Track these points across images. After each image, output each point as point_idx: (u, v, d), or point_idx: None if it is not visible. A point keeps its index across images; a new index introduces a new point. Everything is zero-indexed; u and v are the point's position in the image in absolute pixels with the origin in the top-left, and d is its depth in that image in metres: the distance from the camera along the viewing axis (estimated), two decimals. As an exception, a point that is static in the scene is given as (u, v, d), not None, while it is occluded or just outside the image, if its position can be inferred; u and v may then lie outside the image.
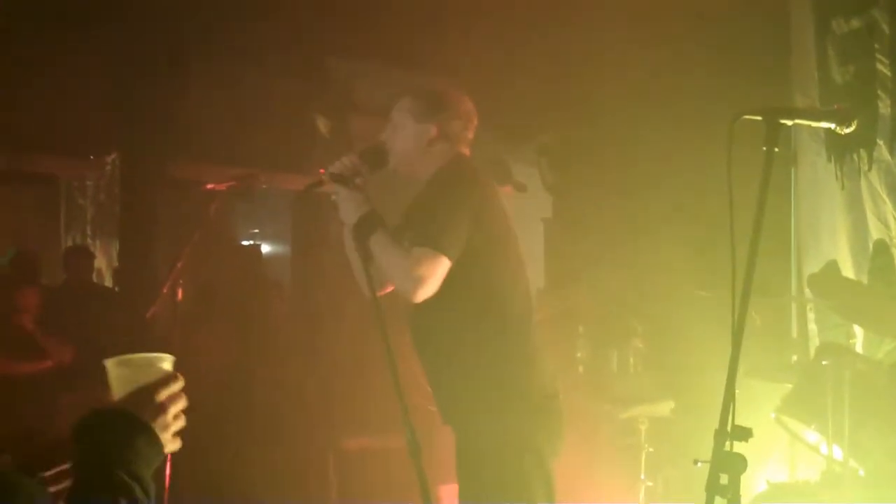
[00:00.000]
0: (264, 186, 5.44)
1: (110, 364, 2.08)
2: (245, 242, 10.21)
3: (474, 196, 3.39)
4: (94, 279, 8.17)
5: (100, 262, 8.76)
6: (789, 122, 2.56)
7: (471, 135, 3.58)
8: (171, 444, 1.97)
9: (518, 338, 3.43)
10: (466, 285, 3.35)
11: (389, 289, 3.56)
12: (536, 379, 3.42)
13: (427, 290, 3.27)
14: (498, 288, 3.43)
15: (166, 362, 2.08)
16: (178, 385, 2.01)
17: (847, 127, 2.56)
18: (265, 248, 10.17)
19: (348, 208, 3.39)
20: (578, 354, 6.18)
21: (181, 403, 2.00)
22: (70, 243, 9.08)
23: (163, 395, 1.97)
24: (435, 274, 3.26)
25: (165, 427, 1.95)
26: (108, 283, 8.72)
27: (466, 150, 3.58)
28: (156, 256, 8.25)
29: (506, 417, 3.34)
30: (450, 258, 3.27)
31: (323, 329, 7.61)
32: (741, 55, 5.93)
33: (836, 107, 2.64)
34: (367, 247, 3.33)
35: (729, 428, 2.40)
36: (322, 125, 8.36)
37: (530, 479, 3.32)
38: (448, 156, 3.51)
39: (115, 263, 8.79)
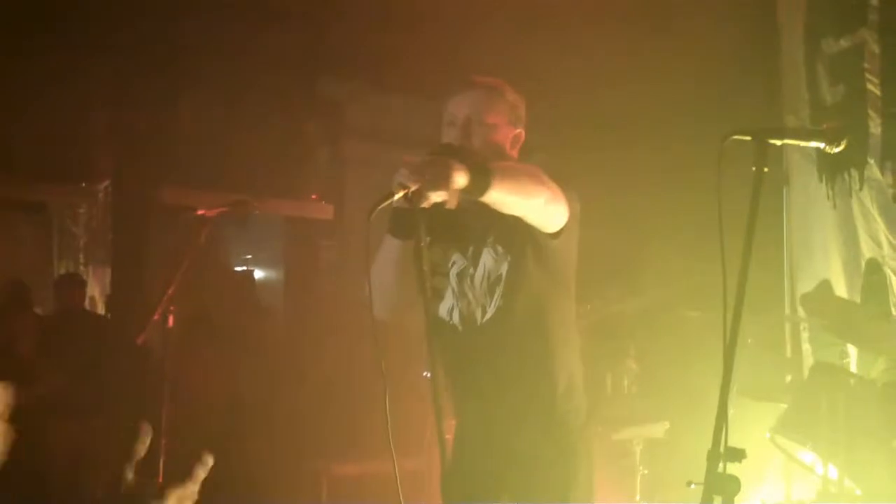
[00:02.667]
0: (256, 212, 5.42)
1: None
2: (238, 268, 10.19)
3: (574, 206, 3.07)
4: (87, 306, 8.14)
5: (92, 290, 8.74)
6: (778, 142, 2.55)
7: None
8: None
9: (576, 369, 3.18)
10: (544, 307, 3.06)
11: (401, 313, 3.14)
12: (585, 413, 3.18)
13: (557, 198, 2.86)
14: (568, 317, 3.16)
15: None
16: None
17: (836, 146, 2.56)
18: (258, 274, 10.15)
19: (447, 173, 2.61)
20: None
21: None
22: (62, 271, 9.06)
23: None
24: (554, 200, 2.86)
25: None
26: (101, 310, 8.70)
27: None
28: (148, 283, 8.23)
29: (561, 455, 3.08)
30: (569, 207, 2.93)
31: (316, 354, 7.59)
32: (732, 75, 5.96)
33: (825, 126, 2.63)
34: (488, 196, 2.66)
35: (722, 449, 2.38)
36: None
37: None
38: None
39: (108, 291, 8.77)
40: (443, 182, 2.57)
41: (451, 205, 2.65)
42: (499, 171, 2.68)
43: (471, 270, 3.09)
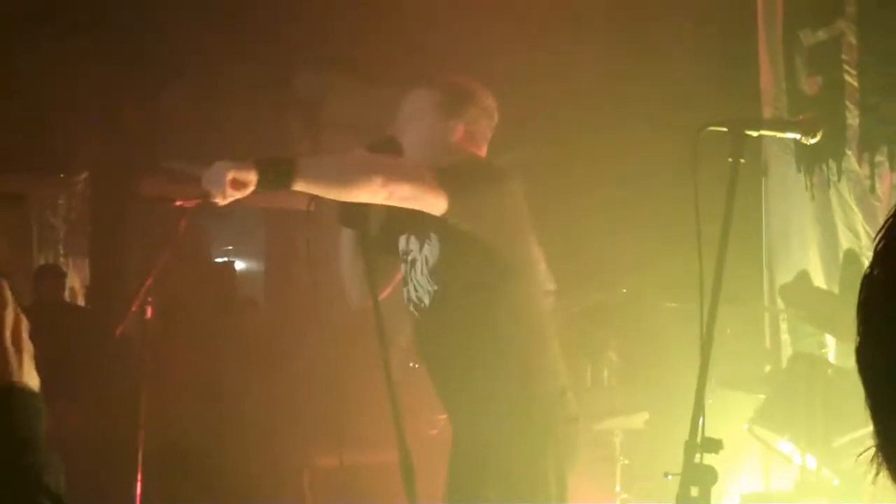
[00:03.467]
0: (236, 203, 5.39)
1: None
2: (219, 259, 10.17)
3: (502, 188, 3.15)
4: (67, 297, 8.11)
5: (72, 281, 8.71)
6: (755, 134, 2.57)
7: (490, 135, 3.29)
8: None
9: (539, 354, 3.20)
10: (490, 289, 3.09)
11: (387, 291, 3.28)
12: (555, 398, 3.19)
13: (385, 188, 2.85)
14: (522, 304, 3.17)
15: None
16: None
17: (812, 137, 2.58)
18: (239, 265, 10.13)
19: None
20: (552, 367, 6.17)
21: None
22: (42, 262, 9.03)
23: None
24: (411, 190, 2.89)
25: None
26: (81, 301, 8.67)
27: (483, 153, 3.29)
28: (128, 274, 8.21)
29: (526, 437, 3.11)
30: (446, 201, 2.93)
31: (297, 346, 7.58)
32: (710, 67, 5.96)
33: (800, 118, 2.65)
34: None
35: (699, 440, 2.39)
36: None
37: (551, 500, 3.14)
38: (466, 152, 3.22)
39: (87, 282, 8.74)
40: (217, 185, 2.83)
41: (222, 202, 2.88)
42: (306, 165, 2.81)
43: (416, 257, 3.17)
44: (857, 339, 1.18)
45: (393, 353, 4.00)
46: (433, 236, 3.11)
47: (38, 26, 7.19)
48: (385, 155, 3.03)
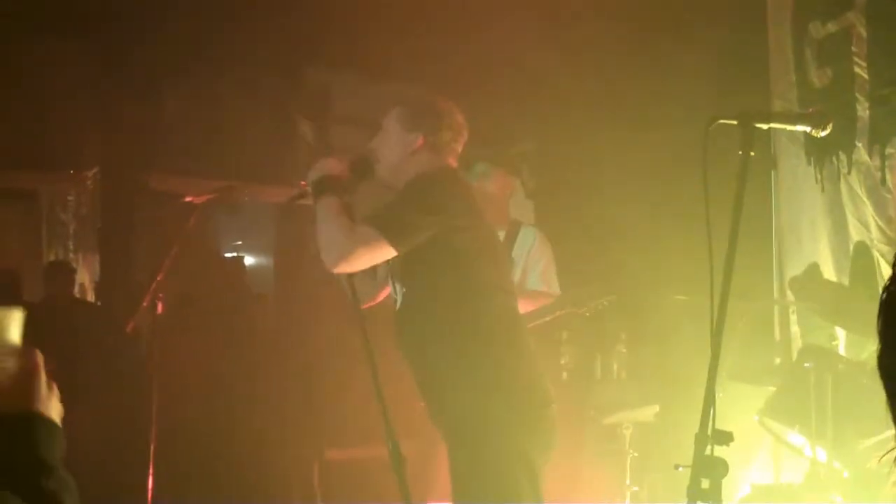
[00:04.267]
0: (246, 199, 5.42)
1: None
2: (228, 254, 10.18)
3: (452, 201, 3.38)
4: (77, 293, 8.12)
5: (82, 277, 8.72)
6: (765, 126, 2.56)
7: (460, 147, 3.56)
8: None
9: (508, 343, 3.38)
10: (452, 289, 3.34)
11: (381, 297, 3.60)
12: (527, 384, 3.36)
13: (350, 265, 3.30)
14: (485, 293, 3.39)
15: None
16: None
17: (822, 130, 2.57)
18: (248, 260, 10.14)
19: (317, 168, 3.44)
20: (562, 361, 6.17)
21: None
22: (52, 258, 9.03)
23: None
24: (369, 255, 3.29)
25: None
26: (91, 297, 8.68)
27: (454, 162, 3.54)
28: (138, 270, 8.22)
29: (496, 423, 3.27)
30: (394, 246, 3.26)
31: (307, 340, 7.59)
32: (719, 59, 5.95)
33: (811, 110, 2.65)
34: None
35: (709, 432, 2.39)
36: (306, 129, 8.34)
37: (520, 488, 3.27)
38: (433, 165, 3.47)
39: (97, 278, 8.75)
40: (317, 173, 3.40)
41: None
42: (330, 204, 3.33)
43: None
44: (878, 347, 1.20)
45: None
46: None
47: (47, 23, 7.19)
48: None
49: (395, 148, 3.49)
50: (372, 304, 3.61)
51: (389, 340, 3.50)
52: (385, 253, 3.27)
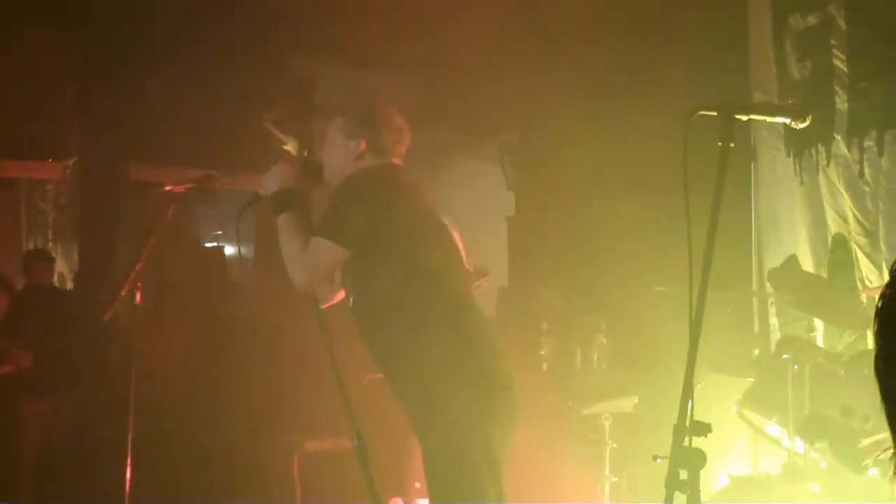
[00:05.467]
0: (225, 188, 5.40)
1: None
2: (208, 244, 10.15)
3: (379, 187, 3.49)
4: (56, 283, 8.09)
5: (61, 266, 8.68)
6: (744, 118, 2.57)
7: (403, 148, 3.70)
8: None
9: (457, 326, 3.44)
10: (397, 277, 3.42)
11: (338, 298, 3.69)
12: (483, 366, 3.40)
13: (315, 278, 3.48)
14: (430, 278, 3.46)
15: None
16: None
17: (802, 122, 2.58)
18: (228, 250, 10.11)
19: (271, 177, 3.63)
20: (542, 352, 6.20)
21: None
22: (31, 246, 8.99)
23: None
24: (325, 263, 3.45)
25: None
26: (70, 286, 8.65)
27: (399, 161, 3.68)
28: (117, 259, 8.19)
29: (455, 409, 3.33)
30: (341, 245, 3.40)
31: (287, 331, 7.57)
32: (699, 51, 5.96)
33: (790, 102, 2.66)
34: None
35: (687, 423, 2.40)
36: (278, 137, 8.31)
37: (481, 473, 3.32)
38: (357, 166, 3.60)
39: (77, 266, 8.72)
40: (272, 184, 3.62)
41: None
42: (287, 220, 3.54)
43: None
44: (875, 351, 1.23)
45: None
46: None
47: (28, 12, 7.15)
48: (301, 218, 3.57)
49: (340, 154, 3.64)
50: (330, 304, 3.73)
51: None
52: (338, 255, 3.43)
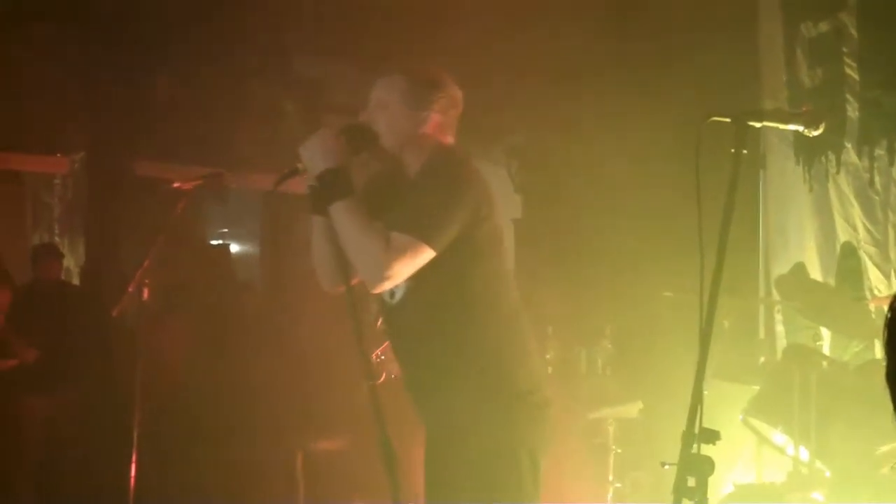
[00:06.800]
0: (233, 186, 5.40)
1: None
2: (214, 242, 10.16)
3: (474, 189, 3.13)
4: (63, 277, 8.09)
5: (68, 261, 8.69)
6: (758, 125, 2.56)
7: (456, 124, 3.30)
8: None
9: (512, 340, 3.20)
10: (462, 282, 3.11)
11: (355, 280, 3.23)
12: (530, 383, 3.19)
13: (395, 281, 3.02)
14: (493, 286, 3.18)
15: None
16: None
17: (815, 129, 2.57)
18: (234, 248, 10.12)
19: (314, 150, 3.01)
20: (547, 356, 6.18)
21: None
22: (37, 241, 9.00)
23: None
24: (412, 265, 2.99)
25: None
26: (76, 281, 8.66)
27: (452, 139, 3.29)
28: (124, 255, 8.20)
29: (502, 421, 3.11)
30: (433, 248, 2.99)
31: (292, 329, 7.57)
32: (711, 58, 5.95)
33: (804, 109, 2.65)
34: (328, 212, 3.00)
35: (696, 430, 2.40)
36: (289, 107, 8.28)
37: (525, 483, 3.13)
38: (437, 144, 3.22)
39: (83, 261, 8.73)
40: (318, 160, 2.99)
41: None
42: (348, 210, 2.99)
43: None
44: (886, 363, 1.23)
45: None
46: (382, 222, 3.11)
47: (37, 7, 7.16)
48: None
49: (402, 126, 3.17)
50: (329, 289, 3.31)
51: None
52: (426, 257, 3.00)
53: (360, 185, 3.13)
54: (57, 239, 9.04)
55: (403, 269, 3.00)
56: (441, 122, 3.22)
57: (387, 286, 3.05)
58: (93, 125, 8.28)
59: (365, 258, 3.00)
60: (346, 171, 3.01)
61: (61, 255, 7.84)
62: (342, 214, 2.99)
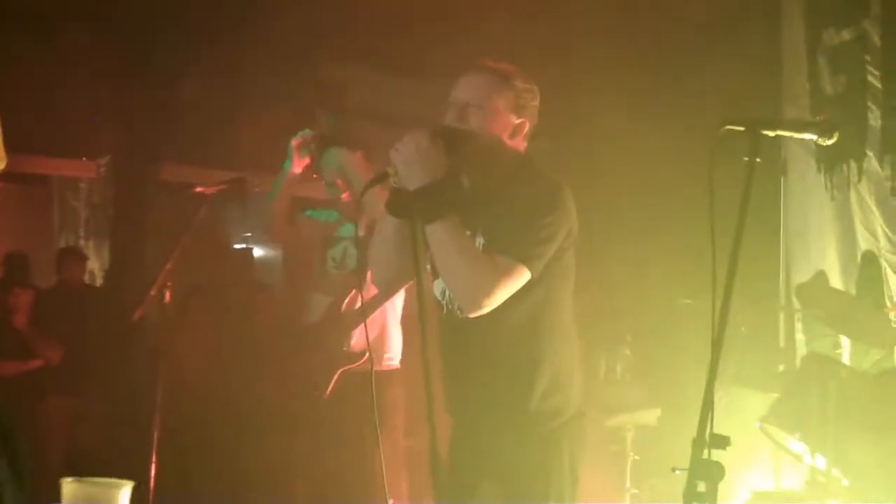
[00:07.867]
0: (256, 190, 5.43)
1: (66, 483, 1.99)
2: (237, 246, 10.21)
3: (571, 215, 3.07)
4: (87, 280, 8.17)
5: (92, 264, 8.77)
6: (771, 134, 2.57)
7: None
8: None
9: (571, 362, 3.16)
10: (537, 303, 3.02)
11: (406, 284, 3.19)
12: (578, 399, 3.18)
13: (494, 304, 2.89)
14: (562, 309, 3.12)
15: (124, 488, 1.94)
16: None
17: (829, 139, 2.57)
18: (257, 252, 10.16)
19: (412, 160, 2.80)
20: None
21: None
22: (63, 244, 9.09)
23: None
24: (513, 289, 2.90)
25: None
26: (100, 283, 8.73)
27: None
28: (148, 258, 8.25)
29: (549, 444, 3.08)
30: (533, 273, 2.91)
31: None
32: (733, 65, 5.95)
33: (819, 118, 2.65)
34: (426, 229, 2.83)
35: (706, 436, 2.41)
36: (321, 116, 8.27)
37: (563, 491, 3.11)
38: (524, 156, 3.13)
39: (107, 264, 8.80)
40: (416, 171, 2.79)
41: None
42: (452, 230, 2.85)
43: None
44: None
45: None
46: (479, 238, 3.04)
47: (62, 10, 7.22)
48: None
49: (500, 129, 3.04)
50: (384, 290, 3.39)
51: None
52: (524, 280, 2.91)
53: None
54: (82, 241, 9.13)
55: (505, 294, 2.90)
56: (528, 129, 3.13)
57: (486, 311, 2.91)
58: (119, 129, 8.34)
59: (467, 283, 2.90)
60: (447, 187, 2.84)
61: (85, 258, 7.91)
62: (442, 234, 2.85)
